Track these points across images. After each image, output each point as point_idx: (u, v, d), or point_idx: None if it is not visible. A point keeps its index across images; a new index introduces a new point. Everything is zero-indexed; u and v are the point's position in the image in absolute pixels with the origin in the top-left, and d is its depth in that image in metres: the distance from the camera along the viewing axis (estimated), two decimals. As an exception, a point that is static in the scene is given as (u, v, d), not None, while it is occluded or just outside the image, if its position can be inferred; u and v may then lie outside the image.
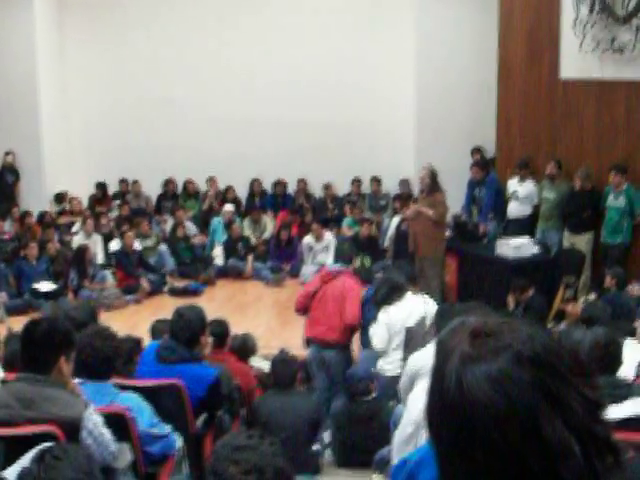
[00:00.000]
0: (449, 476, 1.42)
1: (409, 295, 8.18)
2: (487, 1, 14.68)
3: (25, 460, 3.42)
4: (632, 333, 8.04)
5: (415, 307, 8.04)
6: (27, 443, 3.70)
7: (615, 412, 4.06)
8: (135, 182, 17.31)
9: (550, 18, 12.75)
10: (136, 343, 7.18)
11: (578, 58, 12.18)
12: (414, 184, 15.48)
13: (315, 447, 7.26)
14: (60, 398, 4.32)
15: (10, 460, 3.59)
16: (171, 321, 6.14)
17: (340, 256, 9.45)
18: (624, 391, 4.77)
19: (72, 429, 4.22)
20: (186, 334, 5.97)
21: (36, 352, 4.38)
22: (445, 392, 1.38)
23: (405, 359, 7.36)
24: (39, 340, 4.37)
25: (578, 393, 1.34)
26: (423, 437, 3.83)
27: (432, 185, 11.77)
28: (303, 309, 9.04)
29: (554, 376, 1.34)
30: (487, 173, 13.91)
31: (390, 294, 8.18)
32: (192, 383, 5.79)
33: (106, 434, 4.42)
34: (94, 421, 4.35)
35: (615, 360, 5.08)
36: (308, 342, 8.86)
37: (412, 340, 7.80)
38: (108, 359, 5.08)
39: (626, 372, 5.30)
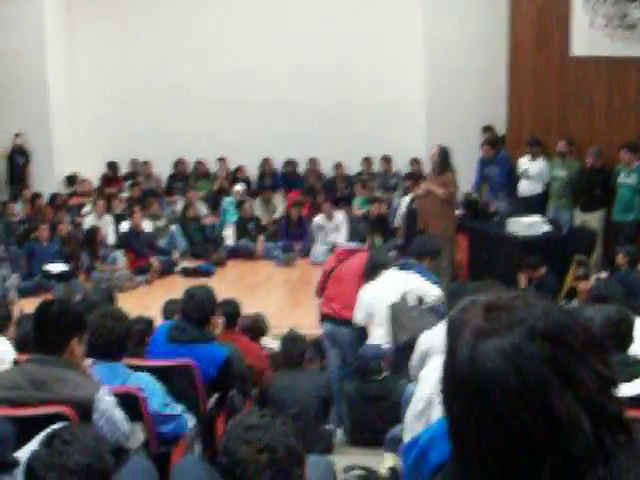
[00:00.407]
0: (461, 449, 1.43)
1: (390, 272, 8.20)
2: (497, -21, 14.61)
3: (33, 443, 3.43)
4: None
5: (395, 283, 7.97)
6: (39, 424, 3.72)
7: (626, 390, 4.06)
8: (146, 163, 17.33)
9: (560, -5, 12.69)
10: (148, 324, 7.21)
11: (589, 36, 12.11)
12: (425, 163, 15.46)
13: (328, 426, 7.29)
14: (72, 379, 4.33)
15: (22, 441, 3.60)
16: (182, 301, 6.15)
17: (355, 234, 9.41)
18: (636, 369, 4.76)
19: (84, 410, 4.23)
20: (197, 314, 5.99)
21: (48, 333, 4.40)
22: (458, 365, 1.39)
23: (393, 334, 7.65)
24: (51, 321, 4.39)
25: (591, 369, 1.34)
26: (434, 414, 3.84)
27: (443, 164, 11.77)
28: (322, 290, 9.05)
29: (567, 351, 1.34)
30: (498, 151, 13.87)
31: (371, 271, 8.30)
32: (203, 363, 5.80)
33: (118, 415, 4.44)
34: (106, 402, 4.36)
35: (627, 338, 5.07)
36: (323, 319, 8.84)
37: (398, 315, 7.75)
38: (120, 340, 5.09)
39: (638, 350, 5.28)
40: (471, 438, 1.38)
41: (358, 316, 8.12)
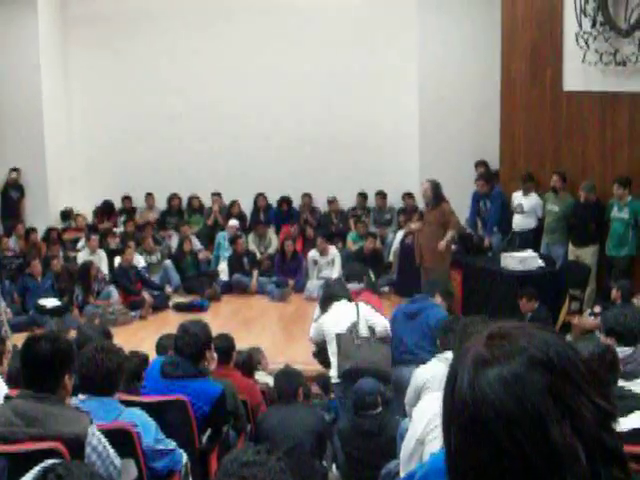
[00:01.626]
0: (457, 475, 1.42)
1: (341, 303, 8.56)
2: (490, 17, 14.70)
3: (28, 478, 3.40)
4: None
5: (345, 314, 8.38)
6: (31, 460, 3.69)
7: (623, 424, 4.03)
8: (149, 194, 17.34)
9: (553, 32, 12.79)
10: (143, 360, 7.17)
11: (581, 71, 12.19)
12: (418, 198, 15.52)
13: (324, 462, 7.24)
14: (63, 415, 4.30)
15: (14, 477, 3.57)
16: (175, 336, 6.12)
17: (352, 275, 9.58)
18: (631, 402, 4.74)
19: (77, 446, 4.20)
20: (191, 349, 5.96)
21: (40, 372, 4.36)
22: (457, 391, 1.39)
23: (338, 365, 8.16)
24: (42, 360, 4.34)
25: (590, 401, 1.34)
26: (426, 453, 3.83)
27: (436, 197, 11.88)
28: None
29: (566, 382, 1.34)
30: (492, 186, 13.90)
31: (324, 302, 8.78)
32: (196, 398, 5.78)
33: (110, 449, 4.41)
34: (98, 437, 4.34)
35: (614, 369, 5.04)
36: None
37: (342, 345, 8.18)
38: (111, 374, 5.06)
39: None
40: (468, 466, 1.38)
41: (312, 334, 8.78)
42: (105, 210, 17.28)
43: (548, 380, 1.34)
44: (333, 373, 8.36)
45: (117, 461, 4.46)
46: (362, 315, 8.41)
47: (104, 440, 4.40)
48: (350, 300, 8.75)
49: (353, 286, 9.77)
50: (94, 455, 4.28)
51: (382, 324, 8.47)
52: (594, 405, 1.35)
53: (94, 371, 4.97)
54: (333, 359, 8.34)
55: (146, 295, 13.59)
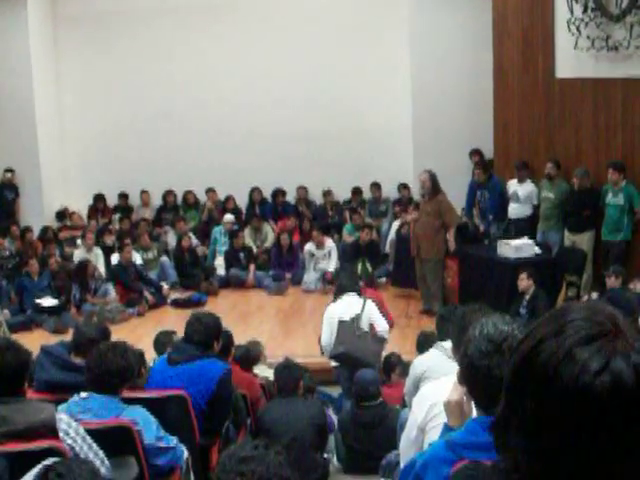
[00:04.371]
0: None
1: (350, 295, 8.99)
2: (481, 5, 14.66)
3: (28, 477, 3.40)
4: (637, 330, 8.01)
5: (352, 305, 8.83)
6: (32, 458, 3.70)
7: None
8: (144, 192, 17.32)
9: (544, 19, 12.78)
10: (139, 356, 7.16)
11: (573, 58, 12.18)
12: (413, 188, 15.53)
13: (326, 455, 7.25)
14: (29, 407, 4.41)
15: (15, 476, 3.58)
16: (186, 324, 6.16)
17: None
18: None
19: (46, 430, 4.29)
20: (200, 337, 6.01)
21: (6, 380, 4.46)
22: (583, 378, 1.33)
23: (334, 347, 8.68)
24: (7, 370, 4.46)
25: None
26: (426, 442, 3.83)
27: (434, 188, 11.92)
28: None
29: None
30: (490, 176, 13.85)
31: (336, 293, 9.30)
32: (201, 377, 5.84)
33: (82, 430, 4.50)
34: (67, 421, 4.46)
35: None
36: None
37: (342, 332, 8.66)
38: (121, 372, 5.08)
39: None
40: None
41: (324, 338, 8.94)
42: (97, 207, 17.22)
43: None
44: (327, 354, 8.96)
45: (90, 440, 4.50)
46: (367, 311, 8.81)
47: (74, 424, 4.48)
48: (360, 295, 9.12)
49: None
50: (68, 439, 4.35)
51: (383, 326, 8.89)
52: None
53: (105, 370, 4.99)
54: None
55: (146, 293, 13.58)
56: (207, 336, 6.04)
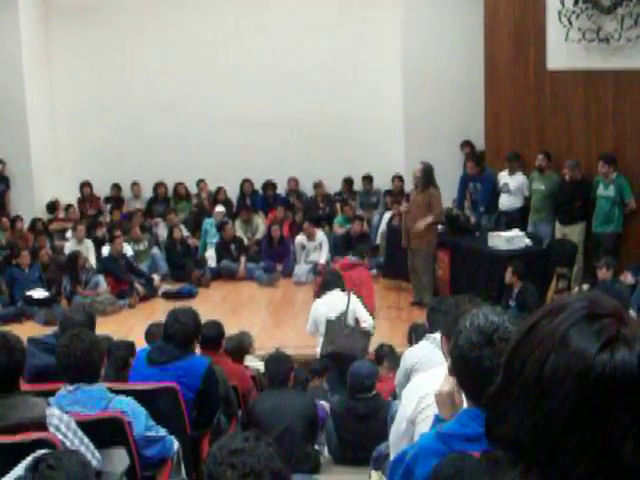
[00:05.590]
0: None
1: (335, 292, 9.55)
2: (472, -4, 14.68)
3: (19, 469, 3.40)
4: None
5: (337, 303, 9.40)
6: (22, 450, 3.70)
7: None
8: (135, 184, 17.27)
9: (535, 10, 12.77)
10: (130, 347, 7.15)
11: (564, 49, 12.19)
12: (406, 180, 15.53)
13: (316, 446, 7.26)
14: (22, 404, 4.42)
15: (5, 468, 3.57)
16: (165, 323, 6.13)
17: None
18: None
19: (37, 427, 4.30)
20: (180, 336, 5.97)
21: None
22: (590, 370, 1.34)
23: (323, 346, 9.27)
24: (1, 370, 4.45)
25: None
26: (416, 433, 3.83)
27: (425, 181, 11.88)
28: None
29: None
30: (483, 168, 13.85)
31: (322, 288, 9.88)
32: (185, 377, 5.81)
33: (74, 424, 4.50)
34: (59, 416, 4.45)
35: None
36: None
37: (330, 330, 9.26)
38: (88, 359, 5.02)
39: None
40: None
41: (308, 327, 9.70)
42: (84, 194, 17.13)
43: None
44: (318, 350, 9.40)
45: (81, 434, 4.50)
46: (351, 306, 9.37)
47: (66, 418, 4.47)
48: (344, 290, 9.63)
49: (351, 258, 11.59)
50: (59, 434, 4.36)
51: (367, 320, 9.51)
52: None
53: (73, 358, 4.95)
54: (320, 339, 9.41)
55: (137, 285, 13.55)
56: (186, 335, 6.01)
